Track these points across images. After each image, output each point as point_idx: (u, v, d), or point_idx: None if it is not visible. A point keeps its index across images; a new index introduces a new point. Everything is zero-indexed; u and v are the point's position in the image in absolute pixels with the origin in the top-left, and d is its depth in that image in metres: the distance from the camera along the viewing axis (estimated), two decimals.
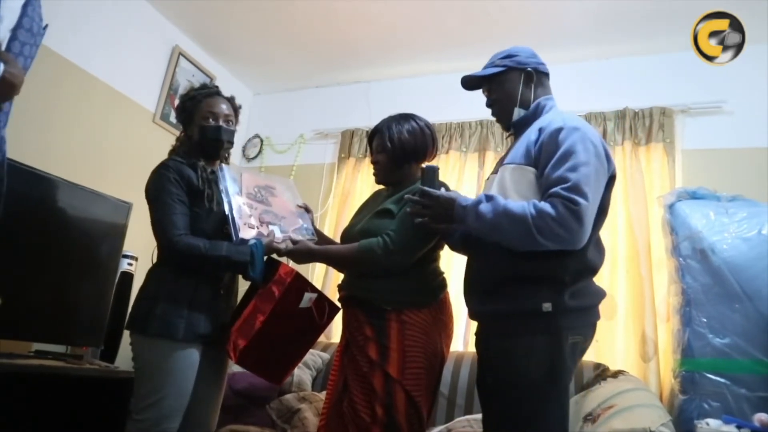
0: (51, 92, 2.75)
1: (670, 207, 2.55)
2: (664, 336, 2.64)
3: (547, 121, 1.58)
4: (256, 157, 4.08)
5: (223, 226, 1.85)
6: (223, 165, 1.98)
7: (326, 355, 3.00)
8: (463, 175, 3.30)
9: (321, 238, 2.12)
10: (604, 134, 3.05)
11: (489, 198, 1.50)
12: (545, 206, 1.41)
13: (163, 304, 1.76)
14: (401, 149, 1.94)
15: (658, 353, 2.62)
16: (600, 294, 1.58)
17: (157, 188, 1.82)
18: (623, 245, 2.89)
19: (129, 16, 3.20)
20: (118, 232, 2.66)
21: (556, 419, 1.43)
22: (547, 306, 1.44)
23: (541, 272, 1.47)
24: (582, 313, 1.51)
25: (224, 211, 1.85)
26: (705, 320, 2.31)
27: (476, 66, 1.80)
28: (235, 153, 3.84)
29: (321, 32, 3.42)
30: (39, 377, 2.26)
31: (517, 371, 1.45)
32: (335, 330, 3.18)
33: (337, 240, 2.19)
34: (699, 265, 2.38)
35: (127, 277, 2.79)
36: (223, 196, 1.86)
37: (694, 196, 2.55)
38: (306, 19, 3.30)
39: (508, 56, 1.73)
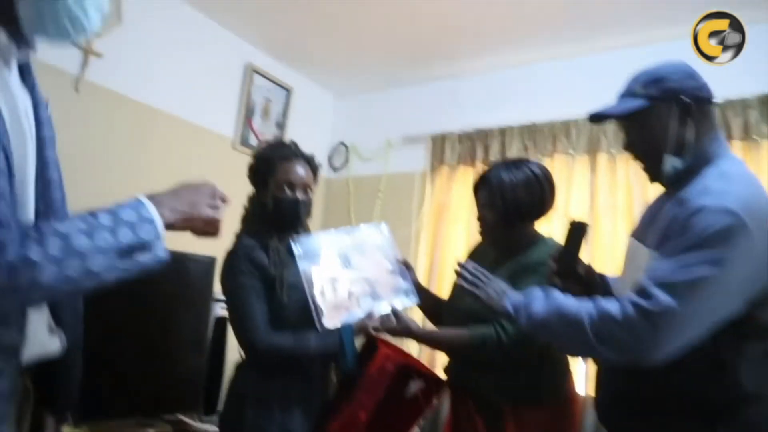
0: (136, 139, 2.73)
1: None
2: None
3: (700, 187, 1.17)
4: (342, 167, 3.87)
5: (306, 310, 1.65)
6: (298, 237, 1.77)
7: None
8: (571, 182, 2.86)
9: (424, 295, 1.86)
10: (746, 127, 2.50)
11: (546, 294, 1.26)
12: (611, 307, 1.14)
13: (254, 408, 1.64)
14: (515, 207, 1.61)
15: None
16: None
17: (231, 284, 1.69)
18: None
19: (200, 42, 3.04)
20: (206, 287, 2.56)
21: None
22: None
23: (682, 393, 1.16)
24: None
25: (305, 293, 1.66)
26: None
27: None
28: (321, 162, 3.66)
29: (401, 30, 3.07)
30: None
31: None
32: None
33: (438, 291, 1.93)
34: None
35: (222, 321, 2.72)
36: (303, 279, 1.66)
37: None
38: (384, 18, 2.96)
39: (655, 81, 1.27)
